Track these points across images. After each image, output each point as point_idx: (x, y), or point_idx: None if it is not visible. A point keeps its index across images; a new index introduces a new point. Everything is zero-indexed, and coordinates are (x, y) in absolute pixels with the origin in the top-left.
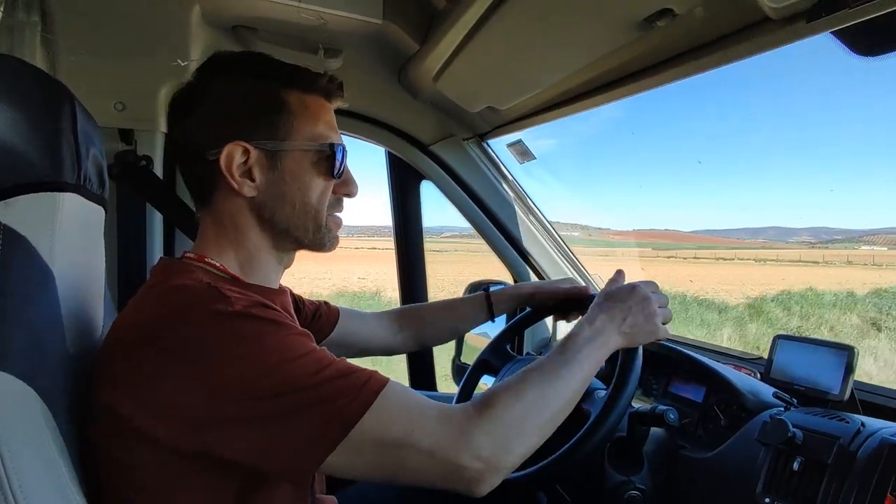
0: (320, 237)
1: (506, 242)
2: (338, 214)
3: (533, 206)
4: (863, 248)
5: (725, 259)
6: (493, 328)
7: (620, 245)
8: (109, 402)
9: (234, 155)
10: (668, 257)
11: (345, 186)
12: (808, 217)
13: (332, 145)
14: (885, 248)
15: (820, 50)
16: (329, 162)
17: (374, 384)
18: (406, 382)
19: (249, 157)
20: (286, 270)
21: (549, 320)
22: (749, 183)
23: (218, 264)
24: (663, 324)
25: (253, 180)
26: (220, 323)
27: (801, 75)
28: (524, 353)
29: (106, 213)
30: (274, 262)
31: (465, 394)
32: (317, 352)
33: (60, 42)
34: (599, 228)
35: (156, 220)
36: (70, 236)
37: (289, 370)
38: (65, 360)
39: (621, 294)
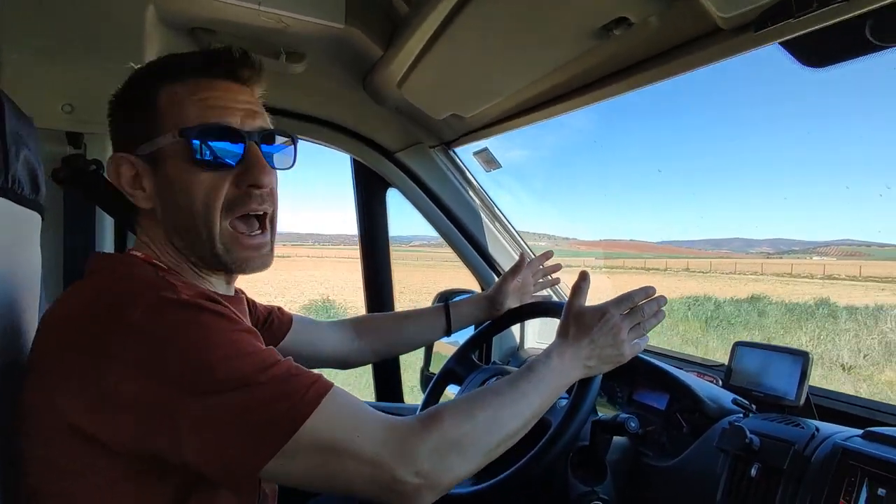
0: (218, 251)
1: (472, 250)
2: (242, 223)
3: (499, 213)
4: (814, 258)
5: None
6: (462, 337)
7: (586, 255)
8: (42, 399)
9: (120, 167)
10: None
11: (246, 175)
12: (770, 228)
13: (185, 129)
14: (835, 259)
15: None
16: (194, 148)
17: (320, 387)
18: (372, 393)
19: (136, 167)
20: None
21: (516, 329)
22: (712, 193)
23: (165, 267)
24: (639, 337)
25: (144, 190)
26: (165, 311)
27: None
28: (491, 362)
29: (43, 218)
30: (213, 278)
31: (430, 404)
32: (263, 351)
33: (4, 38)
34: (566, 238)
35: (106, 226)
36: None
37: (234, 366)
38: None
39: (591, 322)
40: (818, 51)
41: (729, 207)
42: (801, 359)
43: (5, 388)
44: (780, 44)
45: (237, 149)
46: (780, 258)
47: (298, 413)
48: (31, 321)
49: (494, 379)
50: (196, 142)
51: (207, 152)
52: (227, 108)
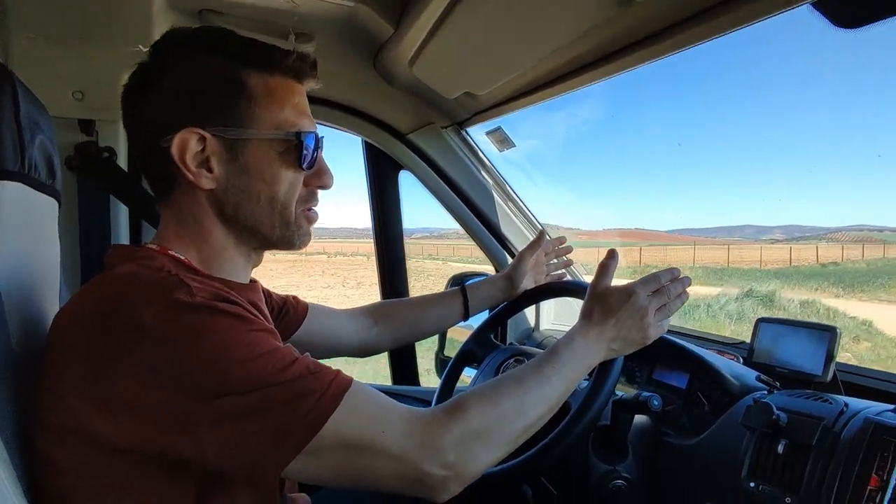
0: (289, 234)
1: (486, 231)
2: (313, 208)
3: (512, 193)
4: (822, 243)
5: None
6: (477, 321)
7: (586, 245)
8: (58, 399)
9: (188, 142)
10: None
11: (317, 178)
12: (784, 215)
13: (299, 133)
14: (849, 244)
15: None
16: (297, 152)
17: (340, 383)
18: (388, 377)
19: (206, 145)
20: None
21: (530, 311)
22: (727, 179)
23: (182, 257)
24: (663, 319)
25: (211, 171)
26: (180, 314)
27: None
28: (507, 342)
29: (60, 205)
30: (241, 259)
31: (448, 385)
32: (281, 349)
33: (13, 26)
34: (569, 228)
35: (121, 213)
36: (13, 228)
37: (252, 368)
38: (9, 362)
39: (617, 303)
40: (850, 9)
41: (743, 193)
42: (828, 334)
43: (22, 382)
44: (812, 5)
45: (318, 156)
46: (789, 244)
47: (320, 411)
48: (52, 310)
49: (513, 360)
50: (305, 147)
51: (308, 158)
52: (308, 116)
